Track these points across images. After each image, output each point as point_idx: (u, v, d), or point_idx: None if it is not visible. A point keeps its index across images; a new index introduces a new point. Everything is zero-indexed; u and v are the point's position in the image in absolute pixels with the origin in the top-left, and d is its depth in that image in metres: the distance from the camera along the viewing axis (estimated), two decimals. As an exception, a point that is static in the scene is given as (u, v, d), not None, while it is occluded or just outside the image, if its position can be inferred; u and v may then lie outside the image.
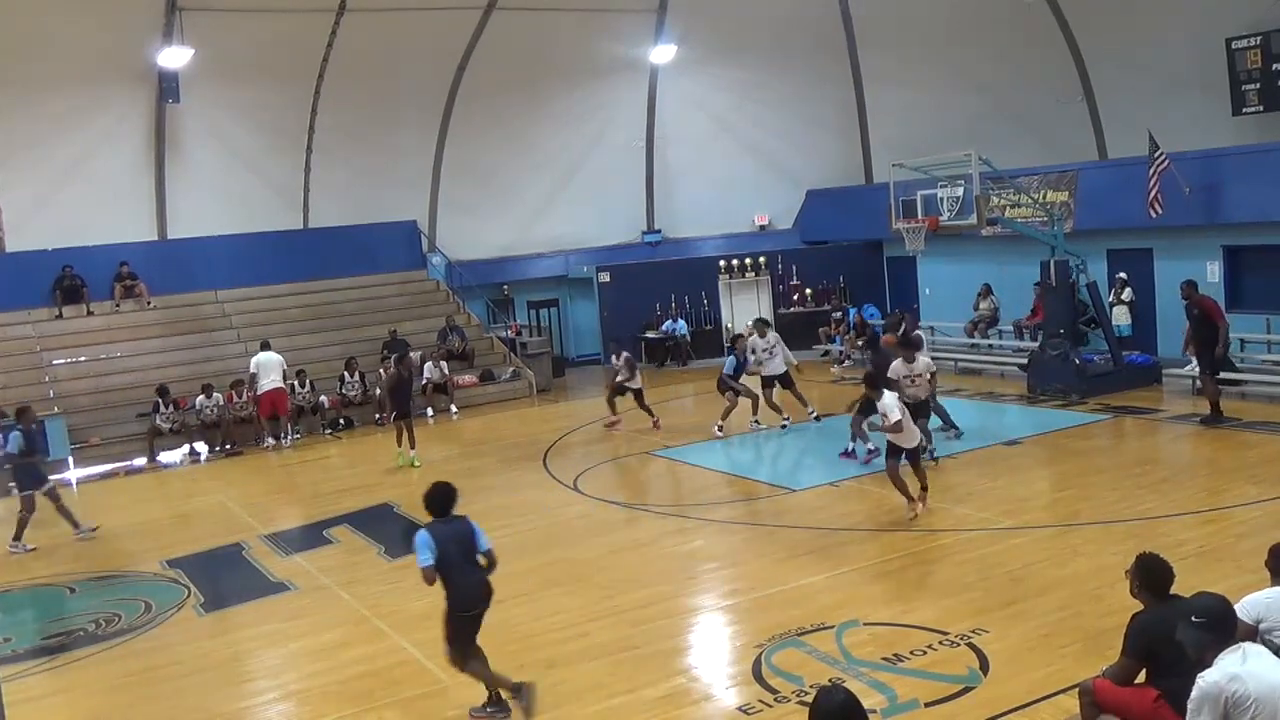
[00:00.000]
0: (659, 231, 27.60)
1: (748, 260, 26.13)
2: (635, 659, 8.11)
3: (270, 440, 18.98)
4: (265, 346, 19.63)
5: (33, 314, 21.35)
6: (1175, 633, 4.86)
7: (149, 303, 22.18)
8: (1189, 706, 4.57)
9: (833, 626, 8.29)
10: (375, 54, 23.27)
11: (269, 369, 19.04)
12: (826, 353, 23.33)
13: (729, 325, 25.83)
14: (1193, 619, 4.74)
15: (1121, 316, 18.63)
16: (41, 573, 12.23)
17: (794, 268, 26.15)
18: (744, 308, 25.71)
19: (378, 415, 19.76)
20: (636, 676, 7.77)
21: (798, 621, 8.46)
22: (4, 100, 20.99)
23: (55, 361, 20.48)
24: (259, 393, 18.89)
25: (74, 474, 17.90)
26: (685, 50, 25.65)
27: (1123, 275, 19.03)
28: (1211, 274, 17.85)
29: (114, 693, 8.58)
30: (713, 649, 8.64)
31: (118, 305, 22.09)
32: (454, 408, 21.02)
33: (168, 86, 21.74)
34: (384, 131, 24.56)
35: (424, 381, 20.57)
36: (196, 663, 9.04)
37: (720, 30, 25.50)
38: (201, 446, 18.86)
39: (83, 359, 20.66)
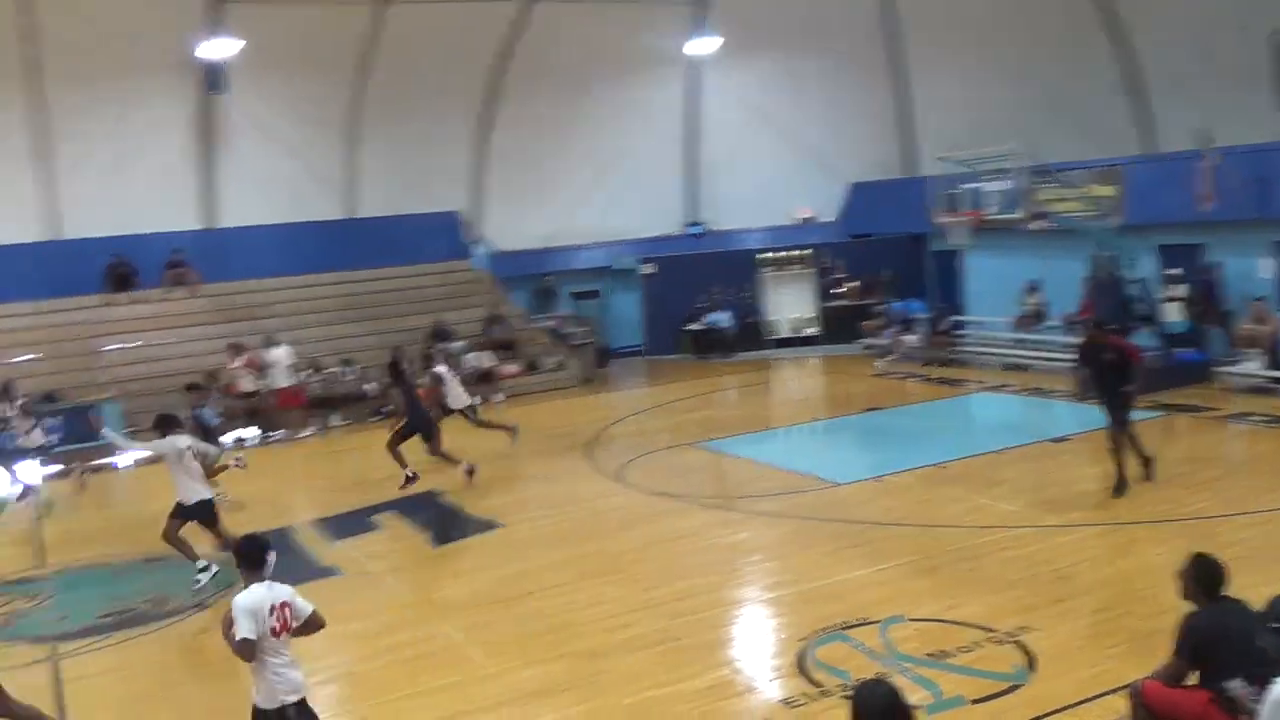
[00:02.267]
0: (702, 223, 27.56)
1: (792, 253, 26.02)
2: (677, 650, 8.13)
3: (310, 429, 19.28)
4: (273, 343, 19.86)
5: (85, 301, 21.72)
6: (1228, 634, 4.80)
7: (197, 290, 22.48)
8: (1263, 711, 4.49)
9: (877, 621, 8.26)
10: (419, 44, 23.43)
11: (278, 366, 19.37)
12: (869, 346, 23.19)
13: (772, 317, 25.77)
14: (1272, 624, 4.68)
15: (1175, 313, 18.27)
16: (94, 554, 12.45)
17: (839, 261, 26.01)
18: (788, 300, 25.63)
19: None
20: (679, 668, 7.78)
21: (842, 615, 8.44)
22: (58, 91, 21.39)
23: (107, 347, 20.81)
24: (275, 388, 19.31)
25: (125, 457, 18.14)
26: (727, 42, 25.57)
27: (1177, 271, 18.69)
28: (1264, 270, 17.53)
29: (164, 671, 8.75)
30: (755, 641, 8.65)
31: (168, 293, 22.41)
32: (499, 396, 21.15)
33: (215, 77, 22.04)
34: (427, 121, 24.72)
35: (468, 371, 20.72)
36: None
37: (761, 21, 25.37)
38: (248, 432, 19.10)
39: (135, 344, 20.97)
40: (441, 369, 15.57)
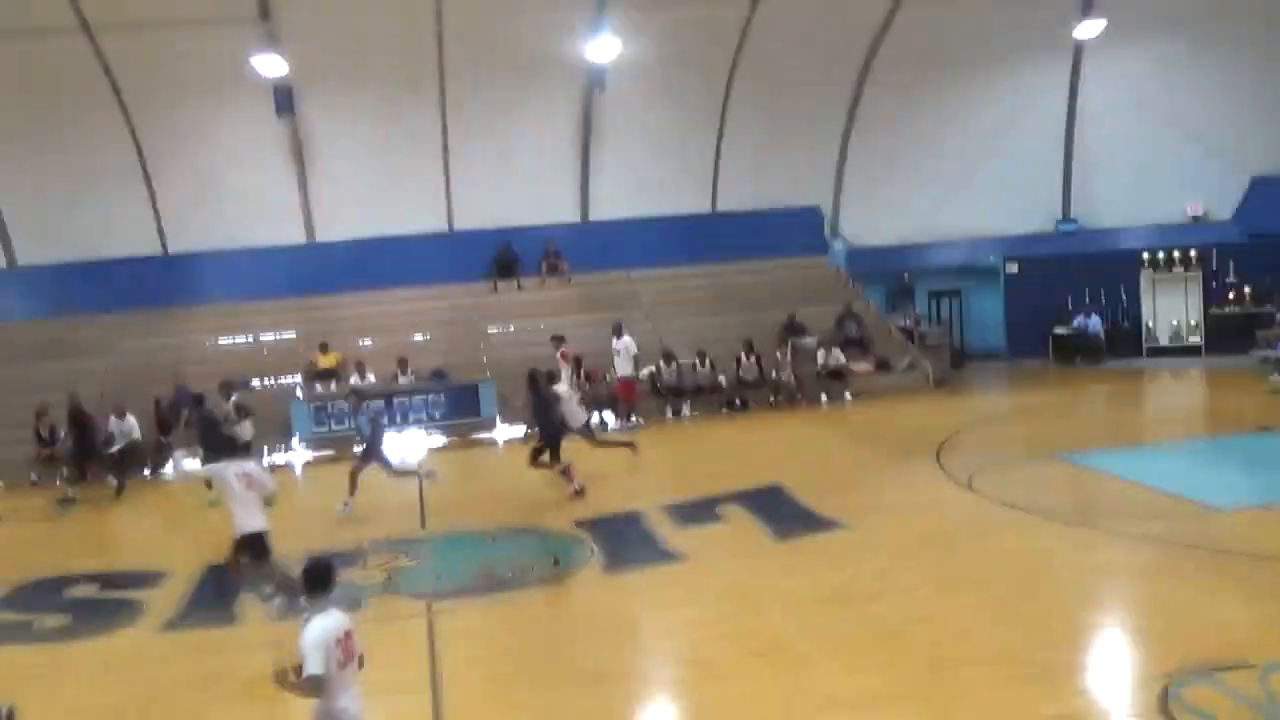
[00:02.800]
0: (1075, 220, 25.91)
1: (1176, 254, 23.90)
2: (1025, 672, 7.73)
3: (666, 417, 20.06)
4: (618, 332, 20.42)
5: (473, 288, 23.80)
6: None
7: (570, 280, 24.01)
8: None
9: (1256, 666, 7.44)
10: (787, 41, 23.65)
11: (622, 356, 20.00)
12: (1265, 360, 20.84)
13: (1149, 323, 23.81)
14: None
15: None
16: (466, 521, 13.63)
17: (1231, 263, 23.57)
18: (1168, 305, 23.59)
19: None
20: (1025, 690, 7.41)
21: (1214, 655, 7.67)
22: (455, 93, 23.51)
23: (490, 330, 22.70)
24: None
25: (500, 433, 19.73)
26: (1112, 24, 23.81)
27: None
28: None
29: (524, 635, 9.43)
30: (1113, 673, 8.05)
31: (543, 281, 24.10)
32: (848, 394, 21.01)
33: (595, 77, 23.38)
34: (791, 117, 24.94)
35: (818, 366, 20.75)
36: (593, 619, 9.75)
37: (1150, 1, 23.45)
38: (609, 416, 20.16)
39: (511, 329, 22.76)
40: (562, 388, 15.51)
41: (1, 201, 22.98)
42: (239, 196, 23.73)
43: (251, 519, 9.76)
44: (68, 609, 11.09)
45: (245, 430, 16.56)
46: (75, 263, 23.00)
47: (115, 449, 17.55)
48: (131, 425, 17.90)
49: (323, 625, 5.53)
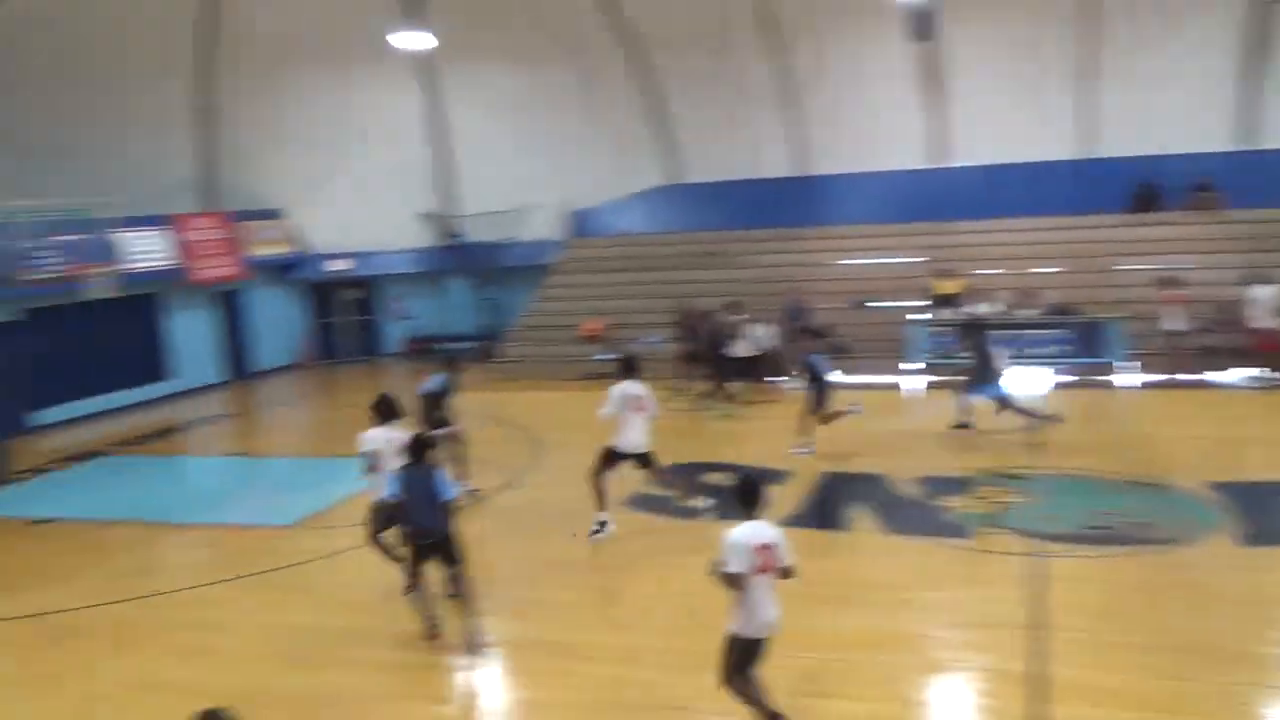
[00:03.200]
0: None
1: None
2: None
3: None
4: (1260, 279, 17.73)
5: (1105, 219, 22.26)
6: None
7: (1221, 216, 21.46)
8: None
9: None
10: None
11: (1262, 304, 17.33)
12: None
13: None
14: None
15: None
16: (1083, 464, 12.97)
17: None
18: None
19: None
20: None
21: None
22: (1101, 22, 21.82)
23: (1117, 267, 21.09)
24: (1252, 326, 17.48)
25: (1123, 376, 18.40)
26: None
27: None
28: None
29: (1135, 594, 8.89)
30: None
31: (1189, 216, 21.83)
32: None
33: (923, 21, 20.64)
34: None
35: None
36: (1220, 591, 8.89)
37: None
38: (1257, 370, 17.87)
39: (1147, 266, 20.90)
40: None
41: (675, 125, 25.78)
42: (869, 121, 24.33)
43: (630, 437, 10.75)
44: (706, 491, 12.51)
45: (741, 347, 18.81)
46: (728, 181, 25.28)
47: (746, 354, 19.20)
48: (761, 334, 19.46)
49: (742, 533, 6.41)
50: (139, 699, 8.01)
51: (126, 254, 19.34)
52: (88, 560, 11.54)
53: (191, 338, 22.94)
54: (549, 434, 16.28)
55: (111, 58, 21.50)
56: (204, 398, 22.23)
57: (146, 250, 21.27)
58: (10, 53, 20.04)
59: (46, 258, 16.64)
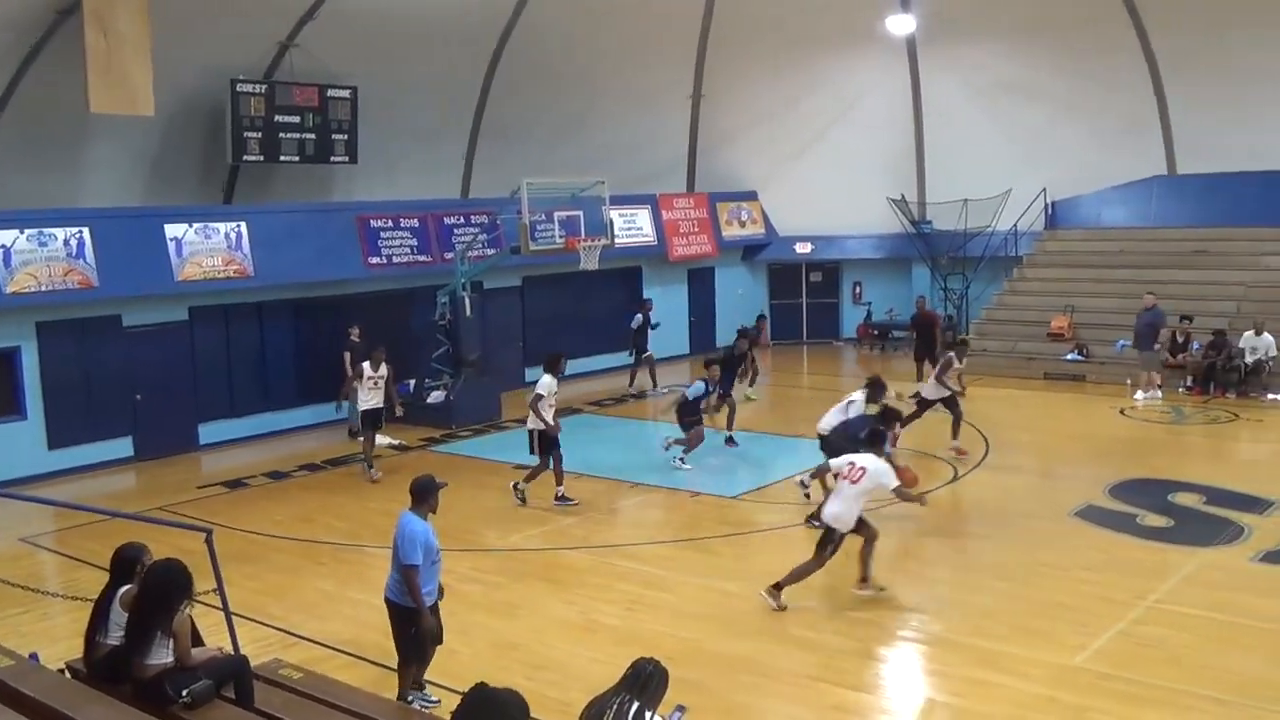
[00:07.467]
0: None
1: None
2: None
3: None
4: None
5: None
6: None
7: None
8: None
9: None
10: None
11: None
12: None
13: None
14: None
15: None
16: None
17: None
18: None
19: None
20: None
21: None
22: None
23: None
24: None
25: None
26: None
27: None
28: None
29: None
30: None
31: None
32: None
33: None
34: None
35: None
36: None
37: None
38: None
39: None
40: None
41: (1171, 112, 23.22)
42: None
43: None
44: (1170, 512, 11.37)
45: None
46: (1225, 174, 22.35)
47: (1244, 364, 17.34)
48: (1262, 343, 17.51)
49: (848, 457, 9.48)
50: (584, 638, 8.70)
51: (616, 229, 20.88)
52: (554, 508, 12.63)
53: (665, 311, 24.29)
54: (1001, 433, 15.49)
55: (621, 46, 22.90)
56: (672, 367, 23.49)
57: (632, 226, 22.98)
58: (537, 40, 21.80)
59: (548, 231, 18.36)
